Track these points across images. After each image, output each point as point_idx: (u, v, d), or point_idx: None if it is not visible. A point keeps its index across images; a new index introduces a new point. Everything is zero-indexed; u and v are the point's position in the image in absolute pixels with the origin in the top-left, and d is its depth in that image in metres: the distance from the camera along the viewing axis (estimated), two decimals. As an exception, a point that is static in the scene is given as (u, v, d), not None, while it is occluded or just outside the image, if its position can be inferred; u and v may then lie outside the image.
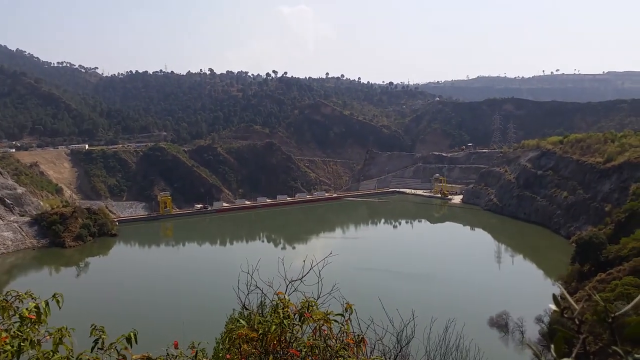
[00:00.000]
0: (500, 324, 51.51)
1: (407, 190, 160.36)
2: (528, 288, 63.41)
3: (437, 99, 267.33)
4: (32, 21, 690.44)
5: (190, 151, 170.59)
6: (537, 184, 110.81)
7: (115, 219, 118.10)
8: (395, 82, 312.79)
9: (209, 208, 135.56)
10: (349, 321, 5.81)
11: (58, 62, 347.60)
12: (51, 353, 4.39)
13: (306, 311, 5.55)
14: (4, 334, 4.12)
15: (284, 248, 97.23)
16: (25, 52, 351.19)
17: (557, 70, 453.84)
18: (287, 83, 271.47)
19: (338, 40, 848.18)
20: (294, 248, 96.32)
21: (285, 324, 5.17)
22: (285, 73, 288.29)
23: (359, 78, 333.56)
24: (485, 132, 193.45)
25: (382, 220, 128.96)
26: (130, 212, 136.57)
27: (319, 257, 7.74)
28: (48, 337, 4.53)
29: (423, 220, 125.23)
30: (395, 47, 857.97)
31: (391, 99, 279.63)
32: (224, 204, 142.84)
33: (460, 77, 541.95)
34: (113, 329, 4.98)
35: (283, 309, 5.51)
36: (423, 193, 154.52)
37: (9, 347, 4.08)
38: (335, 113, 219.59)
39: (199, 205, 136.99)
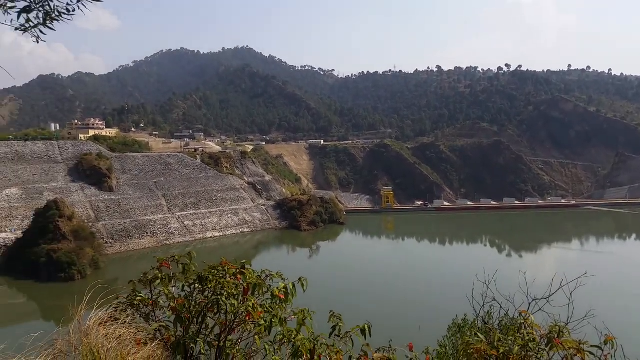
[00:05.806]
0: None
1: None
2: None
3: None
4: (283, 30, 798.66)
5: (413, 148, 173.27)
6: None
7: (343, 209, 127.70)
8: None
9: (429, 206, 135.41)
10: (609, 357, 4.89)
11: (302, 66, 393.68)
12: (294, 332, 4.70)
13: (555, 336, 4.84)
14: (259, 309, 4.56)
15: (509, 255, 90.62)
16: (275, 57, 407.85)
17: None
18: (520, 77, 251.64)
19: (583, 29, 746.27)
20: (520, 256, 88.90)
21: (531, 347, 4.59)
22: (520, 67, 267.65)
23: (610, 70, 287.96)
24: None
25: (634, 236, 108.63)
26: (355, 203, 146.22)
27: (558, 271, 6.70)
28: (293, 316, 4.88)
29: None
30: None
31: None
32: (445, 203, 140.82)
33: None
34: (344, 316, 5.10)
35: (527, 329, 4.91)
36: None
37: (262, 321, 4.50)
38: (578, 109, 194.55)
39: (419, 202, 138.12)
